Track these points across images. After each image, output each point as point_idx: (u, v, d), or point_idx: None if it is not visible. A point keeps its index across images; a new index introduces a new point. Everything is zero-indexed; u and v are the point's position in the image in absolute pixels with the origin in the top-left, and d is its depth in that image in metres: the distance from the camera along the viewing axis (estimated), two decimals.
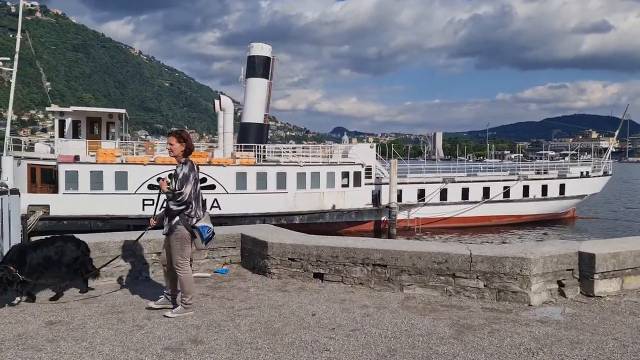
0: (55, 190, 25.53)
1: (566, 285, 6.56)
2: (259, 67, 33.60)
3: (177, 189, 5.55)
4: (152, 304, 5.74)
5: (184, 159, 5.72)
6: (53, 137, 29.14)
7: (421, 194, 34.28)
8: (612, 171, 41.86)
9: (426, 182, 34.69)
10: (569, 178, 37.58)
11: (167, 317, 5.40)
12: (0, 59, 27.91)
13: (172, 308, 5.60)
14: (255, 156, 30.25)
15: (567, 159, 52.05)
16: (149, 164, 26.59)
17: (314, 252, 7.00)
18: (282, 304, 6.00)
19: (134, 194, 26.14)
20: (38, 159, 26.76)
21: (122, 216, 25.78)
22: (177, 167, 5.68)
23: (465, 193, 35.14)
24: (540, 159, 57.50)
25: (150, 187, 26.52)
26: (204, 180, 27.43)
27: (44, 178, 26.47)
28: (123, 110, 29.29)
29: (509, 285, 6.31)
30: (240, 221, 28.32)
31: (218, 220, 26.72)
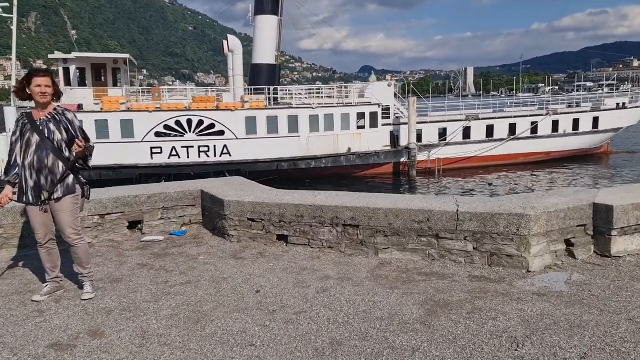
0: None
1: (576, 245, 5.42)
2: (267, 3, 31.68)
3: (89, 141, 4.51)
4: (36, 297, 4.56)
5: (59, 105, 4.63)
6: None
7: (443, 134, 32.69)
8: None
9: (448, 121, 32.98)
10: (603, 110, 35.18)
11: (85, 299, 4.51)
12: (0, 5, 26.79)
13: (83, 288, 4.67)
14: (266, 99, 29.01)
15: (605, 89, 48.90)
16: (154, 110, 25.72)
17: (276, 211, 5.99)
18: (228, 277, 5.06)
19: (141, 141, 25.47)
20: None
21: (130, 165, 25.29)
22: (58, 115, 4.57)
23: (489, 130, 33.37)
24: (577, 91, 54.16)
25: (158, 134, 25.77)
26: (212, 126, 26.53)
27: None
28: (127, 55, 28.19)
29: (503, 247, 5.20)
30: (251, 167, 27.71)
31: (228, 167, 26.27)
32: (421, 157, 31.96)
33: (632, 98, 37.19)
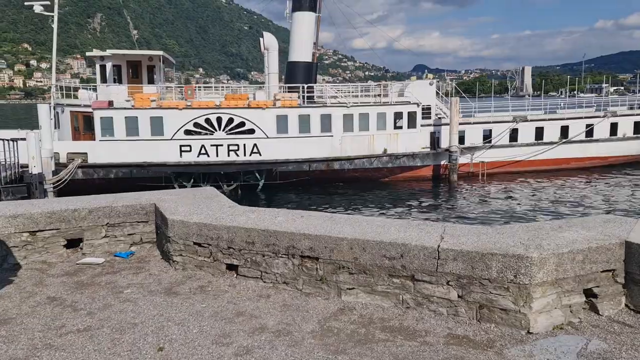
0: (93, 137, 25.04)
1: (600, 296, 4.10)
2: None
3: None
4: None
5: None
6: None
7: (488, 135, 30.73)
8: None
9: (493, 122, 30.99)
10: None
11: None
12: (41, 2, 27.10)
13: None
14: (300, 97, 28.06)
15: None
16: (184, 108, 25.27)
17: (225, 235, 4.94)
18: (140, 322, 4.05)
19: (171, 139, 25.10)
20: (79, 105, 26.25)
21: (159, 163, 24.97)
22: None
23: (539, 133, 31.11)
24: None
25: (187, 132, 25.33)
26: (242, 124, 25.85)
27: (86, 125, 26.01)
28: (161, 52, 27.94)
29: (495, 298, 3.95)
30: (282, 167, 26.86)
31: (258, 166, 25.49)
32: (463, 160, 30.16)
33: None
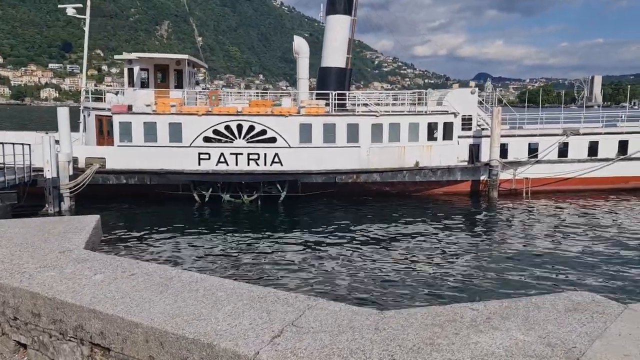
0: (112, 142, 24.74)
1: None
2: (339, 2, 29.37)
3: None
4: None
5: None
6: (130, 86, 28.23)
7: (534, 149, 28.14)
8: None
9: (540, 135, 28.34)
10: None
11: None
12: (72, 5, 27.26)
13: None
14: (331, 105, 26.70)
15: None
16: (204, 114, 24.51)
17: (11, 300, 3.62)
18: None
19: (189, 146, 24.38)
20: (104, 109, 26.09)
21: (177, 170, 24.30)
22: None
23: (593, 148, 28.18)
24: None
25: (206, 139, 24.53)
26: (263, 132, 24.78)
27: (110, 130, 25.79)
28: (186, 56, 27.37)
29: None
30: (304, 178, 25.55)
31: (279, 177, 24.30)
32: (506, 175, 27.72)
33: None
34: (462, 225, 22.65)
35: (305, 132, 25.12)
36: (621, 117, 32.43)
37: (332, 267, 15.84)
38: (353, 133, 25.66)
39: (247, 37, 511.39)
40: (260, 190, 25.18)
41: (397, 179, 26.65)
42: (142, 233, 19.57)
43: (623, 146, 28.18)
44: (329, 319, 2.81)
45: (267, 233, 20.06)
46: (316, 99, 28.17)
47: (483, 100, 33.63)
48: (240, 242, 18.84)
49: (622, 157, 28.03)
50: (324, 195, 25.71)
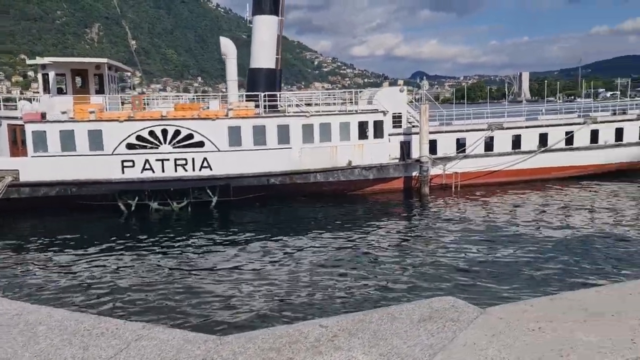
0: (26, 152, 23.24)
1: None
2: (265, 2, 28.99)
3: None
4: None
5: None
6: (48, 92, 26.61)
7: (461, 144, 28.88)
8: None
9: (467, 130, 29.14)
10: None
11: None
12: None
13: None
14: (261, 106, 26.27)
15: None
16: (126, 120, 23.47)
17: None
18: None
19: (111, 154, 23.28)
20: (17, 118, 24.47)
21: (99, 180, 23.14)
22: None
23: (516, 141, 29.26)
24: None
25: (130, 146, 23.52)
26: (190, 136, 24.04)
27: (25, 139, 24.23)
28: (105, 60, 26.13)
29: None
30: (236, 182, 25.01)
31: (210, 182, 23.62)
32: (436, 171, 28.31)
33: None
34: (394, 220, 22.87)
35: (235, 135, 24.59)
36: (542, 111, 33.96)
37: (248, 278, 14.98)
38: (284, 134, 25.37)
39: (183, 40, 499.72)
40: (190, 196, 24.41)
41: (330, 178, 26.61)
42: (53, 249, 18.43)
43: (543, 139, 29.42)
44: (154, 352, 2.49)
45: (193, 240, 19.41)
46: (246, 100, 27.69)
47: (420, 98, 34.29)
48: (166, 251, 18.11)
49: (543, 149, 29.26)
50: (257, 199, 25.27)
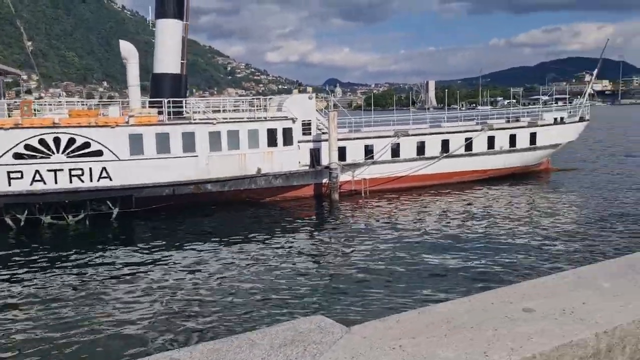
0: None
1: None
2: (169, 5, 27.98)
3: None
4: None
5: None
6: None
7: (369, 151, 29.53)
8: (591, 115, 36.73)
9: (375, 137, 29.88)
10: (541, 126, 32.76)
11: None
12: None
13: None
14: (165, 113, 25.21)
15: (559, 103, 46.73)
16: (12, 128, 21.56)
17: None
18: None
19: None
20: None
21: None
22: None
23: (421, 148, 30.41)
24: (534, 104, 52.49)
25: (17, 156, 21.62)
26: (86, 145, 22.55)
27: None
28: None
29: None
30: (139, 193, 23.81)
31: (109, 193, 22.21)
32: (346, 177, 28.70)
33: (570, 112, 34.86)
34: (304, 227, 22.82)
35: (136, 143, 23.39)
36: (444, 118, 35.64)
37: (137, 298, 14.15)
38: (189, 142, 24.53)
39: (85, 42, 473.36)
40: (88, 209, 22.86)
41: (239, 187, 26.12)
42: None
43: (445, 145, 30.83)
44: None
45: (91, 256, 18.14)
46: (149, 107, 26.51)
47: (334, 104, 34.69)
48: (60, 269, 16.75)
49: (445, 154, 30.64)
50: (162, 209, 24.20)
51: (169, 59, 28.31)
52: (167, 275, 15.97)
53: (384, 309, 12.32)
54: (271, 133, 26.64)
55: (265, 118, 26.85)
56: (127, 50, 27.24)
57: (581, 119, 34.64)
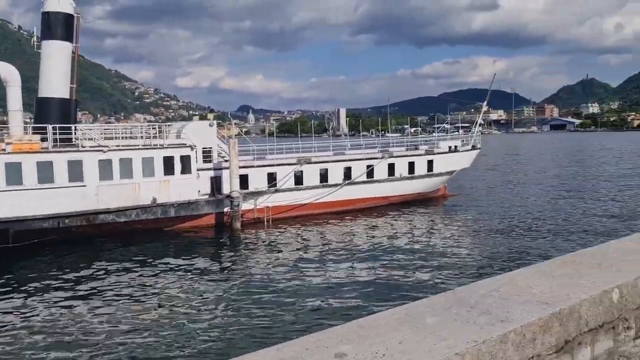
0: None
1: None
2: (56, 27, 26.40)
3: None
4: None
5: None
6: None
7: (272, 179, 29.24)
8: (488, 143, 39.25)
9: (278, 164, 29.68)
10: (437, 154, 34.35)
11: None
12: None
13: None
14: (49, 140, 23.40)
15: (460, 131, 49.29)
16: None
17: None
18: None
19: None
20: None
21: None
22: None
23: (324, 175, 30.62)
24: (437, 132, 54.99)
25: None
26: None
27: None
28: None
29: None
30: (18, 226, 21.75)
31: None
32: (248, 205, 28.12)
33: (463, 141, 36.97)
34: (203, 259, 21.85)
35: (14, 172, 21.43)
36: (347, 145, 36.33)
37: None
38: (76, 171, 22.91)
39: None
40: None
41: (133, 217, 24.71)
42: None
43: (348, 172, 31.30)
44: None
45: None
46: (33, 133, 24.55)
47: (248, 130, 34.08)
48: None
49: (347, 182, 31.08)
50: (46, 244, 22.21)
51: (56, 83, 26.54)
52: (40, 323, 14.47)
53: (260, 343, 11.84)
54: (168, 161, 25.59)
55: (161, 145, 25.79)
56: (8, 72, 25.20)
57: (473, 147, 36.79)
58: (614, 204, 32.74)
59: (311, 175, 30.27)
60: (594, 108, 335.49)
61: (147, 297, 16.56)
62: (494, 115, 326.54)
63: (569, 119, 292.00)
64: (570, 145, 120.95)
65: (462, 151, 35.67)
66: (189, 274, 19.48)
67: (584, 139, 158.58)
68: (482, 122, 40.78)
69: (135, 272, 19.50)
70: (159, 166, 25.19)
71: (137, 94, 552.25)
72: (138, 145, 25.76)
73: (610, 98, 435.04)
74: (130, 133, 29.71)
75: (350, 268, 19.40)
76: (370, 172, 31.73)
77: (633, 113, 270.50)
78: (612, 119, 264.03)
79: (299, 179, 30.05)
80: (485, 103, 40.90)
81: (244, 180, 27.97)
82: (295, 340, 2.73)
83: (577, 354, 3.27)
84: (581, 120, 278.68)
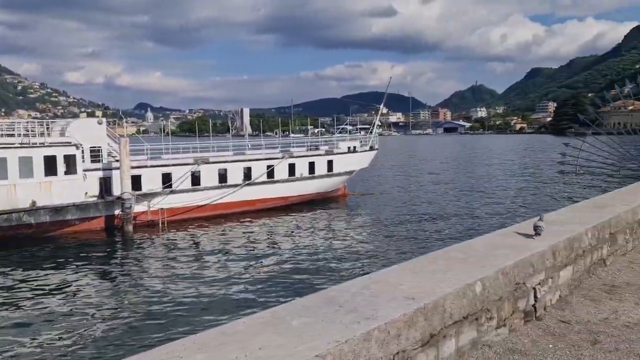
0: None
1: None
2: None
3: None
4: None
5: None
6: None
7: (167, 179, 28.00)
8: (387, 144, 40.61)
9: (173, 165, 28.50)
10: (336, 154, 34.93)
11: None
12: None
13: None
14: None
15: (361, 132, 50.37)
16: None
17: None
18: None
19: None
20: None
21: None
22: None
23: (223, 175, 29.87)
24: (340, 133, 55.84)
25: None
26: None
27: None
28: None
29: None
30: None
31: None
32: (141, 208, 26.68)
33: (362, 142, 37.97)
34: (91, 265, 20.33)
35: None
36: (247, 145, 35.78)
37: None
38: None
39: None
40: None
41: (10, 222, 22.45)
42: None
43: (248, 172, 30.80)
44: None
45: None
46: None
47: (147, 129, 32.22)
48: None
49: (247, 182, 30.58)
50: None
51: None
52: None
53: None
54: (49, 160, 23.56)
55: (42, 144, 23.69)
56: None
57: (371, 148, 37.88)
58: (495, 200, 35.32)
59: (209, 175, 29.41)
60: (482, 112, 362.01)
61: (23, 310, 15.04)
62: (393, 118, 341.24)
63: (460, 122, 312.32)
64: (461, 147, 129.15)
65: (360, 152, 36.56)
66: (73, 282, 18.03)
67: (473, 141, 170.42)
68: (381, 124, 42.16)
69: (8, 285, 17.68)
70: (38, 166, 23.11)
71: (19, 88, 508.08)
72: (15, 144, 23.46)
73: (496, 103, 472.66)
74: (13, 130, 27.00)
75: (245, 269, 19.06)
76: (270, 173, 31.48)
77: (515, 117, 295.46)
78: (497, 123, 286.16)
79: (196, 179, 29.06)
80: (382, 105, 42.30)
81: (136, 181, 26.54)
82: (152, 351, 2.46)
83: (443, 347, 3.27)
84: (471, 124, 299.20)
